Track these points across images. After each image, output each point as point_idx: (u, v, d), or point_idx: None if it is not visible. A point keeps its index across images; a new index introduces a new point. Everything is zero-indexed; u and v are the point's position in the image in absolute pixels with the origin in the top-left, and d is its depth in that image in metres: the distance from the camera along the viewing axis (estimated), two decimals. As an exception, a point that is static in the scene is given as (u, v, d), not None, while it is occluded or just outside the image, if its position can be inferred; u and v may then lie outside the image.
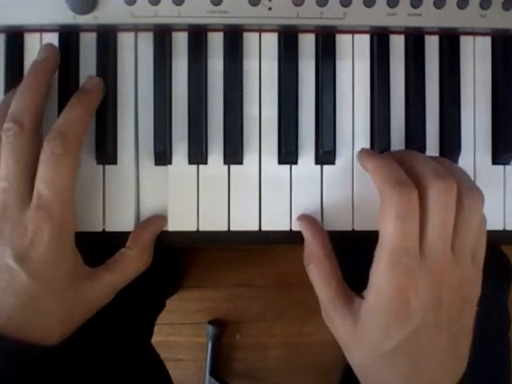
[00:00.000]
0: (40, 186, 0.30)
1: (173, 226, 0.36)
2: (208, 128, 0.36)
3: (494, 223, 0.37)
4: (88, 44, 0.36)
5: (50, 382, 0.32)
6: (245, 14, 0.35)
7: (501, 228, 0.37)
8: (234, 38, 0.36)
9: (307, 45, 0.37)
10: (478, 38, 0.37)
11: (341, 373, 0.54)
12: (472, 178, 0.37)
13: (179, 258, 0.95)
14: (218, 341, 0.98)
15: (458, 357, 0.32)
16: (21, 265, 0.30)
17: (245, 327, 1.00)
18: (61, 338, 0.32)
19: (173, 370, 0.57)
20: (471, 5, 0.36)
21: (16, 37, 0.36)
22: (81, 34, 0.36)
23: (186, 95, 0.36)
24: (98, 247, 0.35)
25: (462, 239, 0.30)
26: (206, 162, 0.36)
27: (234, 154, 0.36)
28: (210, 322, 0.98)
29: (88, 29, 0.36)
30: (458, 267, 0.30)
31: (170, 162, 0.36)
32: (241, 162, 0.36)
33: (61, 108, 0.33)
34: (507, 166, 0.37)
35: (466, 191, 0.30)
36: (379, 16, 0.36)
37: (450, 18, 0.36)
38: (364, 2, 0.35)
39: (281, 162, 0.36)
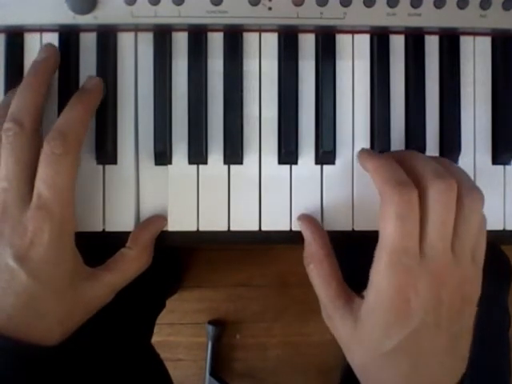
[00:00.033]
0: (40, 186, 0.30)
1: (173, 226, 0.36)
2: (208, 128, 0.36)
3: (494, 223, 0.37)
4: (88, 44, 0.36)
5: (50, 382, 0.32)
6: (245, 14, 0.35)
7: (501, 228, 0.37)
8: (233, 37, 0.36)
9: (307, 45, 0.37)
10: (478, 38, 0.37)
11: (341, 373, 0.54)
12: (472, 177, 0.37)
13: (179, 258, 0.95)
14: (218, 341, 0.98)
15: (457, 357, 0.32)
16: (21, 265, 0.30)
17: (245, 327, 1.00)
18: (61, 338, 0.32)
19: (173, 370, 0.57)
20: (471, 5, 0.36)
21: (16, 37, 0.36)
22: (81, 34, 0.36)
23: (186, 95, 0.36)
24: (98, 247, 0.35)
25: (462, 239, 0.30)
26: (206, 162, 0.36)
27: (233, 154, 0.36)
28: (210, 322, 0.98)
29: (88, 29, 0.36)
30: (458, 267, 0.30)
31: (170, 162, 0.36)
32: (241, 162, 0.36)
33: (61, 108, 0.33)
34: (507, 166, 0.37)
35: (466, 191, 0.30)
36: (379, 16, 0.36)
37: (449, 18, 0.36)
38: (364, 2, 0.35)
39: (281, 162, 0.36)
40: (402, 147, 0.37)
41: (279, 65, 0.37)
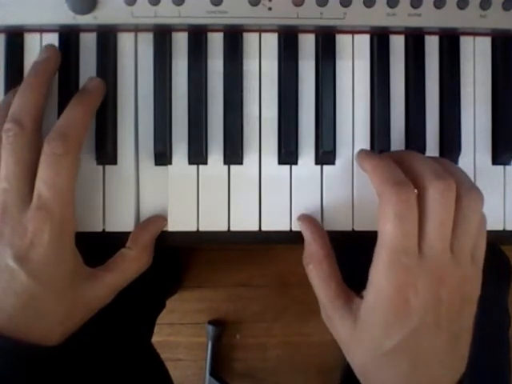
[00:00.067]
0: (40, 186, 0.30)
1: (173, 226, 0.36)
2: (208, 128, 0.36)
3: (494, 223, 0.37)
4: (88, 44, 0.36)
5: (50, 381, 0.32)
6: (245, 14, 0.35)
7: (501, 228, 0.37)
8: (233, 38, 0.36)
9: (307, 45, 0.37)
10: (478, 38, 0.37)
11: (341, 373, 0.54)
12: (472, 178, 0.37)
13: (179, 258, 0.95)
14: (218, 341, 0.98)
15: (457, 356, 0.32)
16: (21, 265, 0.30)
17: (245, 327, 1.00)
18: (61, 338, 0.32)
19: (173, 370, 0.57)
20: (471, 5, 0.36)
21: (16, 37, 0.36)
22: (81, 34, 0.36)
23: (186, 95, 0.36)
24: (98, 247, 0.35)
25: (461, 239, 0.30)
26: (206, 162, 0.36)
27: (233, 154, 0.36)
28: (210, 322, 0.98)
29: (88, 29, 0.36)
30: (458, 267, 0.30)
31: (170, 162, 0.36)
32: (241, 162, 0.36)
33: (61, 108, 0.33)
34: (507, 166, 0.37)
35: (465, 191, 0.30)
36: (379, 16, 0.36)
37: (449, 18, 0.36)
38: (364, 2, 0.35)
39: (281, 162, 0.36)
40: (402, 147, 0.37)
41: (279, 65, 0.37)
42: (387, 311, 0.30)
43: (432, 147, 0.37)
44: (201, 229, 0.36)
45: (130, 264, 0.35)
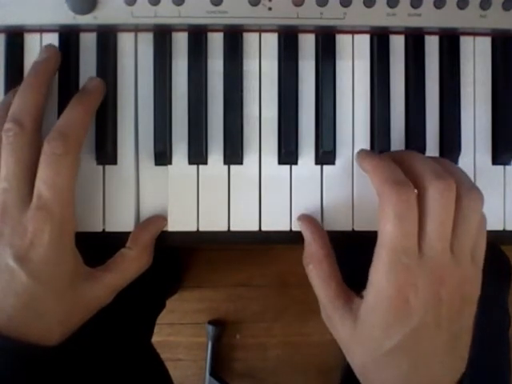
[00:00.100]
0: (40, 186, 0.30)
1: (173, 226, 0.36)
2: (208, 128, 0.36)
3: (494, 223, 0.37)
4: (88, 44, 0.36)
5: (50, 381, 0.32)
6: (245, 14, 0.35)
7: (501, 228, 0.37)
8: (233, 38, 0.36)
9: (307, 45, 0.37)
10: (478, 38, 0.37)
11: (341, 373, 0.54)
12: (472, 178, 0.37)
13: (179, 258, 0.95)
14: (218, 341, 0.98)
15: (457, 356, 0.32)
16: (21, 265, 0.30)
17: (245, 327, 1.00)
18: (61, 338, 0.32)
19: (173, 370, 0.57)
20: (471, 5, 0.36)
21: (16, 37, 0.36)
22: (81, 34, 0.36)
23: (186, 95, 0.36)
24: (98, 247, 0.35)
25: (461, 239, 0.30)
26: (205, 162, 0.36)
27: (233, 154, 0.36)
28: (210, 322, 0.98)
29: (88, 29, 0.36)
30: (458, 267, 0.30)
31: (170, 162, 0.36)
32: (241, 162, 0.36)
33: (61, 108, 0.33)
34: (507, 166, 0.37)
35: (465, 191, 0.30)
36: (379, 16, 0.36)
37: (449, 18, 0.36)
38: (364, 2, 0.35)
39: (281, 162, 0.36)
40: (402, 147, 0.37)
41: (279, 65, 0.37)
42: (387, 311, 0.30)
43: (432, 147, 0.37)
44: (201, 229, 0.36)
45: (130, 264, 0.35)
